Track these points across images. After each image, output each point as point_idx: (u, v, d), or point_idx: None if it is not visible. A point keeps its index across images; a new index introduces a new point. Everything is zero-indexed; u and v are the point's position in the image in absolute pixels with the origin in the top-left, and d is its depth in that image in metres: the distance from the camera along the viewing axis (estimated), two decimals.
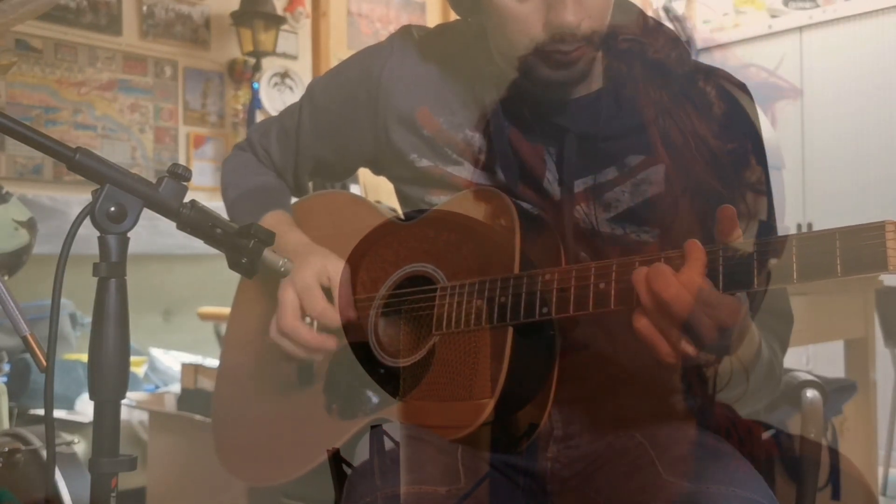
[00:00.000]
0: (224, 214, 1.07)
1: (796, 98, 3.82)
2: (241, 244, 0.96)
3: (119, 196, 0.86)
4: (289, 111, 1.32)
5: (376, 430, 0.95)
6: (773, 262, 0.78)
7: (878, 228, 0.73)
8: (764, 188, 0.92)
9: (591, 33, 1.00)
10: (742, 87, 1.09)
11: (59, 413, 2.61)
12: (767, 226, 0.87)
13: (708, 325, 0.82)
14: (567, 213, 1.04)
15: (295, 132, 1.29)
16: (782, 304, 1.09)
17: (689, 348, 0.84)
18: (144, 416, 2.58)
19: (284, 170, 1.33)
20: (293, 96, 3.99)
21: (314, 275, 1.12)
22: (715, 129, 1.02)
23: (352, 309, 1.11)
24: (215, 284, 2.37)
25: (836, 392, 1.77)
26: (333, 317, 1.11)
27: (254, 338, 1.28)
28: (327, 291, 1.13)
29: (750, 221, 0.98)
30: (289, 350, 1.13)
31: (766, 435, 1.19)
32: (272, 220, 1.22)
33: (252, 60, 3.90)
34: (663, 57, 1.05)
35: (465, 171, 1.11)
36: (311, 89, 1.29)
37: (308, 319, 1.13)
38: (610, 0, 1.01)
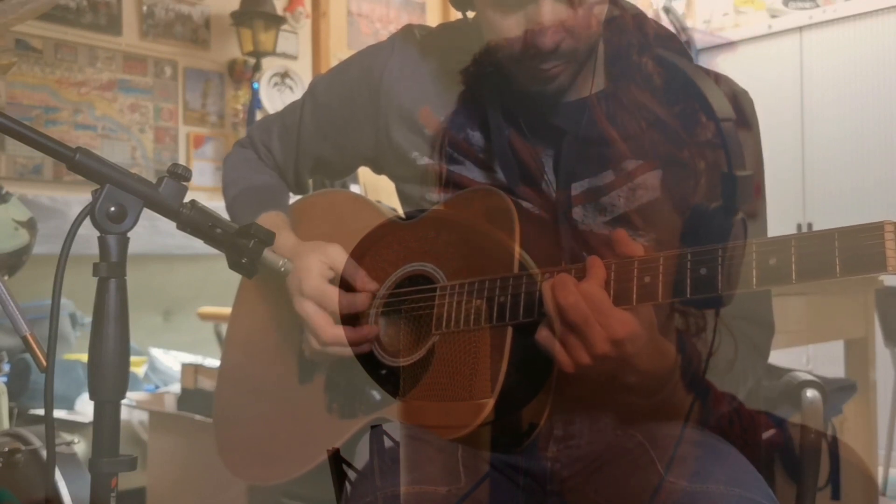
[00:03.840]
0: (224, 214, 1.07)
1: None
2: (241, 244, 0.96)
3: (119, 196, 0.86)
4: (290, 108, 1.32)
5: (376, 429, 0.95)
6: (771, 261, 0.78)
7: (877, 229, 0.73)
8: (719, 141, 0.93)
9: (572, 51, 1.00)
10: (744, 93, 1.09)
11: (59, 413, 2.61)
12: (730, 175, 0.88)
13: (601, 335, 0.86)
14: (564, 214, 1.04)
15: (296, 130, 1.29)
16: (763, 313, 1.10)
17: (584, 356, 0.87)
18: (144, 416, 2.58)
19: (285, 167, 1.33)
20: (293, 96, 3.99)
21: (318, 275, 1.11)
22: (664, 99, 1.03)
23: (369, 281, 1.11)
24: (215, 284, 2.37)
25: (836, 392, 1.77)
26: (361, 301, 1.11)
27: (255, 338, 1.28)
28: (337, 281, 1.13)
29: (714, 176, 0.99)
30: (340, 354, 1.11)
31: (766, 434, 1.19)
32: (265, 221, 1.22)
33: (252, 60, 3.90)
34: (661, 65, 1.05)
35: (465, 170, 1.11)
36: (313, 87, 1.29)
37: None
38: (597, 17, 1.01)
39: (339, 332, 1.10)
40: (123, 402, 0.88)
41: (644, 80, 1.05)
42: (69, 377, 2.76)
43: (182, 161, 3.34)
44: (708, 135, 1.01)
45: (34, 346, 0.88)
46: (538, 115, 1.07)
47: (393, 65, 1.18)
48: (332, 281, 1.12)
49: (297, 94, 4.01)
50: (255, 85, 3.89)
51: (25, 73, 3.31)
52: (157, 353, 3.15)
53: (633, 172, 1.04)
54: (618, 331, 0.86)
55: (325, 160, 1.30)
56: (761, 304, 1.09)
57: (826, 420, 1.34)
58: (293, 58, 4.14)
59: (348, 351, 1.11)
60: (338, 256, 1.13)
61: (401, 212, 1.20)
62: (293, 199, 1.35)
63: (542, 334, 0.90)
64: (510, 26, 1.00)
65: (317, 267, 1.12)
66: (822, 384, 1.33)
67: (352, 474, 0.96)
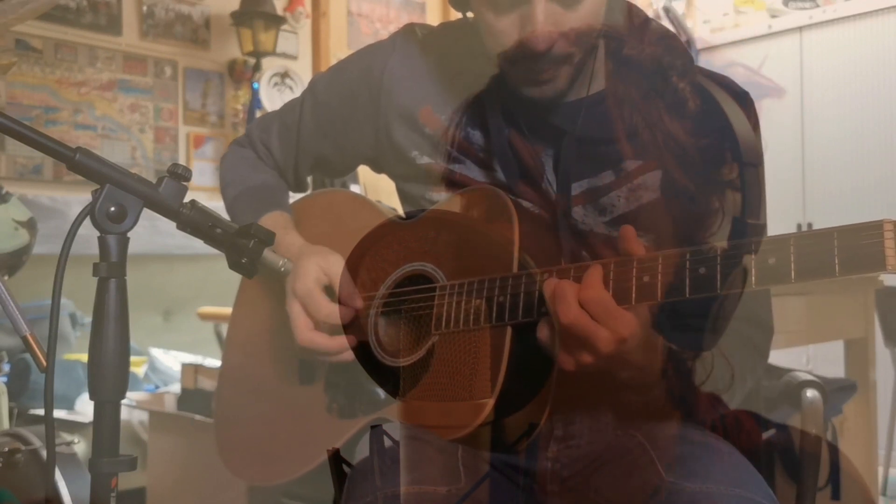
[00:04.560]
0: (224, 214, 1.07)
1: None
2: (241, 244, 0.96)
3: (119, 196, 0.86)
4: (290, 107, 1.32)
5: (376, 430, 0.95)
6: (770, 261, 0.78)
7: (876, 228, 0.73)
8: (738, 185, 0.93)
9: (567, 55, 0.99)
10: (744, 94, 1.09)
11: (59, 413, 2.61)
12: (741, 222, 0.87)
13: (607, 337, 0.86)
14: (564, 214, 1.04)
15: (296, 128, 1.29)
16: (763, 314, 1.09)
17: (587, 357, 0.87)
18: (144, 416, 2.58)
19: (285, 166, 1.33)
20: (293, 96, 3.97)
21: (313, 279, 1.12)
22: (691, 127, 1.02)
23: (356, 298, 1.12)
24: (215, 284, 2.37)
25: (836, 392, 1.77)
26: (343, 315, 1.11)
27: (255, 338, 1.28)
28: (330, 290, 1.13)
29: (725, 218, 0.99)
30: (315, 360, 1.14)
31: (766, 435, 1.19)
32: (270, 221, 1.22)
33: (252, 60, 3.90)
34: (666, 61, 1.05)
35: (465, 169, 1.11)
36: (313, 85, 1.29)
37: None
38: (593, 21, 1.00)
39: (314, 336, 1.11)
40: (123, 402, 0.88)
41: (674, 115, 1.04)
42: (69, 377, 2.76)
43: (182, 161, 3.34)
44: (730, 175, 1.00)
45: (34, 346, 0.87)
46: (538, 115, 1.07)
47: (394, 63, 1.18)
48: (326, 288, 1.13)
49: (297, 95, 4.00)
50: (255, 85, 3.89)
51: (25, 73, 3.31)
52: (157, 353, 3.15)
53: (633, 173, 1.04)
54: (622, 331, 0.86)
55: (324, 159, 1.30)
56: (761, 305, 1.09)
57: (826, 420, 1.34)
58: (293, 58, 4.14)
59: (324, 359, 1.13)
60: (336, 265, 1.13)
61: (401, 211, 1.20)
62: (293, 197, 1.35)
63: (543, 334, 0.90)
64: (504, 28, 1.00)
65: (314, 271, 1.12)
66: (822, 384, 1.33)
67: (352, 474, 0.96)
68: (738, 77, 1.07)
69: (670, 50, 1.05)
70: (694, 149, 1.01)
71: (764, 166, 1.03)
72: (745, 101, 1.08)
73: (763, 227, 0.92)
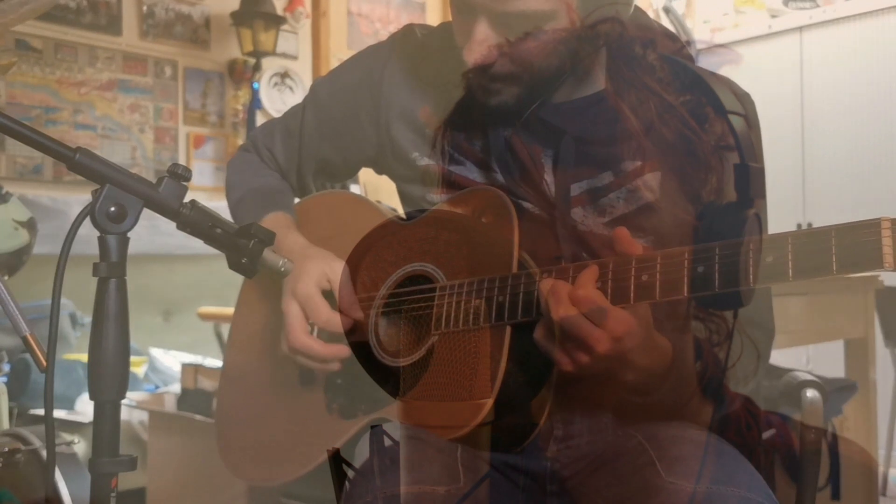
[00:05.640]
0: (225, 214, 1.07)
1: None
2: (241, 244, 0.96)
3: (119, 196, 0.87)
4: (292, 112, 1.32)
5: (376, 429, 0.95)
6: (768, 259, 0.78)
7: (874, 226, 0.73)
8: (730, 137, 0.93)
9: (508, 74, 1.01)
10: (745, 95, 1.09)
11: (59, 413, 2.61)
12: (743, 167, 0.87)
13: (601, 336, 0.86)
14: (564, 214, 1.04)
15: (298, 133, 1.30)
16: (764, 316, 1.09)
17: (583, 357, 0.88)
18: (144, 416, 2.58)
19: (288, 170, 1.33)
20: (293, 96, 4.00)
21: (314, 282, 1.12)
22: (671, 90, 1.03)
23: (356, 309, 1.11)
24: (215, 284, 2.38)
25: (836, 392, 1.77)
26: (339, 322, 1.11)
27: (256, 338, 1.28)
28: (330, 295, 1.13)
29: (725, 172, 0.99)
30: (303, 364, 1.13)
31: (766, 434, 1.19)
32: (272, 221, 1.22)
33: (252, 60, 3.90)
34: (665, 62, 1.05)
35: (465, 170, 1.11)
36: (314, 89, 1.30)
37: (315, 329, 1.13)
38: (540, 49, 1.00)
39: (308, 341, 1.11)
40: (123, 402, 0.88)
41: (651, 77, 1.05)
42: (69, 377, 2.76)
43: (182, 161, 3.34)
44: (717, 131, 1.01)
45: (34, 346, 0.88)
46: (537, 116, 1.07)
47: (394, 64, 1.18)
48: (326, 293, 1.13)
49: (298, 95, 4.01)
50: (255, 85, 3.89)
51: (25, 73, 3.31)
52: (157, 353, 3.16)
53: (633, 173, 1.04)
54: (616, 329, 0.86)
55: (328, 162, 1.30)
56: (762, 306, 1.09)
57: (826, 420, 1.34)
58: (293, 58, 4.14)
59: (313, 364, 1.12)
60: (339, 272, 1.13)
61: (401, 212, 1.20)
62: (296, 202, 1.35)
63: (540, 334, 0.90)
64: (461, 35, 1.03)
65: (316, 274, 1.12)
66: (822, 384, 1.33)
67: (352, 474, 0.96)
68: (698, 53, 1.09)
69: (678, 52, 1.06)
70: (681, 106, 1.02)
71: (751, 116, 1.04)
72: (746, 101, 1.09)
73: (763, 172, 0.93)
